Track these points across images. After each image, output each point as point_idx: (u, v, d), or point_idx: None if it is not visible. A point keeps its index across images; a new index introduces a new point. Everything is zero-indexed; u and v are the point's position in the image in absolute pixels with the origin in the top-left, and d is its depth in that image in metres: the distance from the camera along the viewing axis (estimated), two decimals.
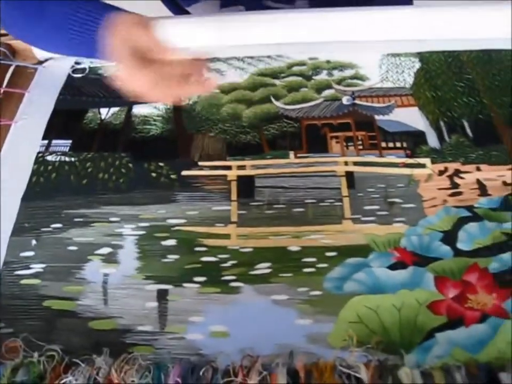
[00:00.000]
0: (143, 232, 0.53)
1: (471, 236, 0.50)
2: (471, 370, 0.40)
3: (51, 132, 0.62)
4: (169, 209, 0.54)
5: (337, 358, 0.40)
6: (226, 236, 0.52)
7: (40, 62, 0.69)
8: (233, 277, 0.48)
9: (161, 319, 0.46)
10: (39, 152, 0.61)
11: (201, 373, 0.40)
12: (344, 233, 0.51)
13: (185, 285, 0.48)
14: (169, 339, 0.44)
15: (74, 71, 0.68)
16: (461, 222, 0.51)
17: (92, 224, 0.54)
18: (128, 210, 0.55)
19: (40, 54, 0.69)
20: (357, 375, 0.38)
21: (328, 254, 0.49)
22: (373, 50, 0.65)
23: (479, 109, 0.59)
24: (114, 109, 0.66)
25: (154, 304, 0.47)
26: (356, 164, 0.55)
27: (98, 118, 0.65)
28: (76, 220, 0.54)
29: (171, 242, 0.52)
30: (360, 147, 0.57)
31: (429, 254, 0.49)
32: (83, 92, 0.66)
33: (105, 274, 0.49)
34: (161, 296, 0.48)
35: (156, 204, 0.55)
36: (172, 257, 0.50)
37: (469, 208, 0.52)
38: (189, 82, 0.49)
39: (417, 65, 0.64)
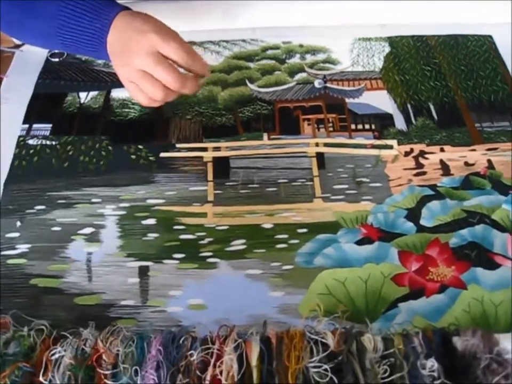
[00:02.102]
0: (124, 212, 0.55)
1: (433, 213, 0.53)
2: (427, 335, 0.44)
3: (31, 116, 0.63)
4: (148, 190, 0.57)
5: (306, 326, 0.44)
6: (203, 215, 0.54)
7: (17, 46, 0.69)
8: (210, 253, 0.51)
9: (142, 293, 0.49)
10: (20, 136, 0.62)
11: (180, 342, 0.43)
12: (314, 211, 0.54)
13: (164, 261, 0.50)
14: (150, 312, 0.47)
15: (52, 55, 0.69)
16: (424, 200, 0.54)
17: (75, 206, 0.56)
18: (109, 192, 0.57)
19: None
20: (324, 340, 0.41)
21: (300, 230, 0.52)
22: (344, 35, 0.68)
23: (444, 93, 0.62)
24: (93, 93, 0.67)
25: (136, 280, 0.49)
26: (326, 145, 0.57)
27: (78, 102, 0.66)
28: (59, 201, 0.56)
29: (151, 221, 0.54)
30: (331, 129, 0.59)
31: (393, 230, 0.52)
32: (62, 75, 0.67)
33: (89, 253, 0.52)
34: (143, 272, 0.50)
35: (136, 185, 0.57)
36: (152, 235, 0.53)
37: (432, 187, 0.55)
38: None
39: (387, 49, 0.66)
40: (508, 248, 0.51)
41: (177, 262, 0.50)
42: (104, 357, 0.41)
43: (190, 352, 0.41)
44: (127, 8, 0.52)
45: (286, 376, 0.39)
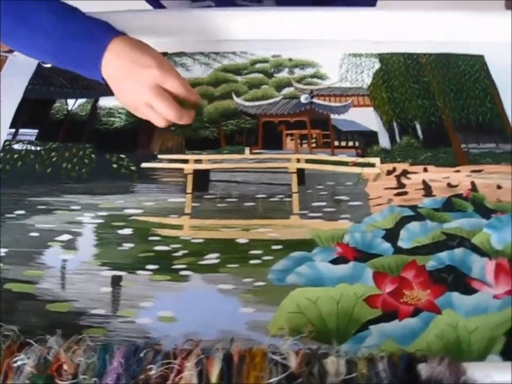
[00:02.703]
0: (102, 220, 0.55)
1: (412, 234, 0.53)
2: (393, 360, 0.43)
3: (19, 120, 0.64)
4: (127, 200, 0.57)
5: (270, 345, 0.43)
6: (179, 227, 0.54)
7: (11, 50, 0.69)
8: (184, 266, 0.51)
9: (114, 303, 0.49)
10: (6, 141, 0.63)
11: (142, 355, 0.43)
12: (291, 227, 0.53)
13: (138, 272, 0.50)
14: (120, 322, 0.47)
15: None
16: (404, 220, 0.53)
17: (54, 212, 0.56)
18: (88, 200, 0.57)
19: None
20: (284, 362, 0.41)
21: (274, 247, 0.52)
22: (334, 50, 0.67)
23: (432, 112, 0.61)
24: (81, 100, 0.68)
25: (109, 289, 0.49)
26: (307, 161, 0.57)
27: (65, 109, 0.66)
28: (39, 207, 0.57)
29: (127, 231, 0.54)
30: (314, 145, 0.59)
31: (370, 250, 0.51)
32: (52, 82, 0.68)
33: (64, 260, 0.52)
34: (115, 282, 0.50)
35: (115, 194, 0.58)
36: (127, 245, 0.53)
37: (413, 207, 0.54)
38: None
39: (377, 66, 0.66)
40: (486, 273, 0.50)
41: (150, 273, 0.50)
42: (65, 366, 0.42)
43: (149, 366, 0.42)
44: (122, 33, 0.55)
45: None
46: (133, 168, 0.59)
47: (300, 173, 0.56)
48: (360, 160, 0.57)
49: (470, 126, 0.59)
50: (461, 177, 0.56)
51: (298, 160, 0.57)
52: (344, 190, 0.55)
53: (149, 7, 0.82)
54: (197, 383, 0.40)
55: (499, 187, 0.55)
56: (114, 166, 0.60)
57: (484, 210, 0.54)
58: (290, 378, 0.40)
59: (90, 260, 0.52)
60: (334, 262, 0.50)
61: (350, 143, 0.59)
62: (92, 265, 0.51)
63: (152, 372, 0.41)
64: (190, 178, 0.58)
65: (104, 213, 0.56)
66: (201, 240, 0.53)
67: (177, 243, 0.53)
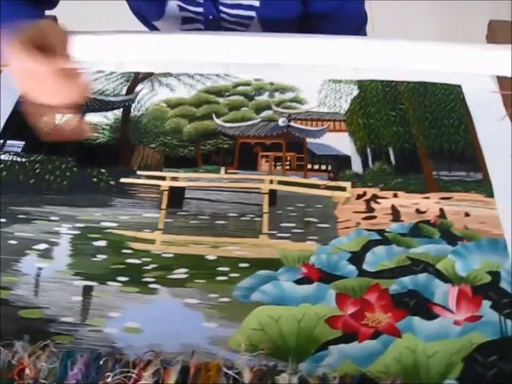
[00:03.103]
0: (78, 232, 0.57)
1: (377, 258, 0.54)
2: (345, 380, 0.44)
3: (7, 132, 0.67)
4: (104, 213, 0.59)
5: (226, 360, 0.44)
6: (152, 241, 0.56)
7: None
8: (153, 279, 0.52)
9: (83, 312, 0.50)
10: None
11: (102, 362, 0.44)
12: (259, 246, 0.55)
13: (109, 283, 0.52)
14: (88, 331, 0.48)
15: None
16: (370, 244, 0.55)
17: (33, 221, 0.58)
18: (67, 211, 0.59)
19: None
20: (236, 376, 0.42)
21: (241, 265, 0.53)
22: (315, 76, 0.69)
23: (406, 139, 0.63)
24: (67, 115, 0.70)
25: (79, 298, 0.51)
26: (280, 183, 0.59)
27: (52, 123, 0.69)
28: (19, 216, 0.59)
29: (102, 243, 0.56)
30: (288, 167, 0.61)
31: (334, 272, 0.52)
32: None
33: (39, 268, 0.54)
34: (86, 291, 0.52)
35: (93, 206, 0.60)
36: (101, 256, 0.55)
37: (380, 232, 0.56)
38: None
39: (355, 92, 0.68)
40: (448, 299, 0.51)
41: (120, 284, 0.52)
42: (27, 371, 0.44)
43: (108, 374, 0.43)
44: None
45: None
46: (112, 182, 0.62)
47: (272, 194, 0.58)
48: (332, 183, 0.58)
49: (443, 153, 0.61)
50: (430, 204, 0.57)
51: (271, 182, 0.58)
52: (313, 212, 0.57)
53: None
54: None
55: (467, 215, 0.57)
56: (94, 179, 0.62)
57: (450, 237, 0.55)
58: None
59: (64, 269, 0.54)
60: (299, 282, 0.52)
61: (323, 167, 0.60)
62: (65, 274, 0.53)
63: (109, 380, 0.43)
64: (165, 195, 0.60)
65: (82, 225, 0.58)
66: (171, 255, 0.55)
67: (148, 257, 0.54)
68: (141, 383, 0.41)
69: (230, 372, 0.42)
